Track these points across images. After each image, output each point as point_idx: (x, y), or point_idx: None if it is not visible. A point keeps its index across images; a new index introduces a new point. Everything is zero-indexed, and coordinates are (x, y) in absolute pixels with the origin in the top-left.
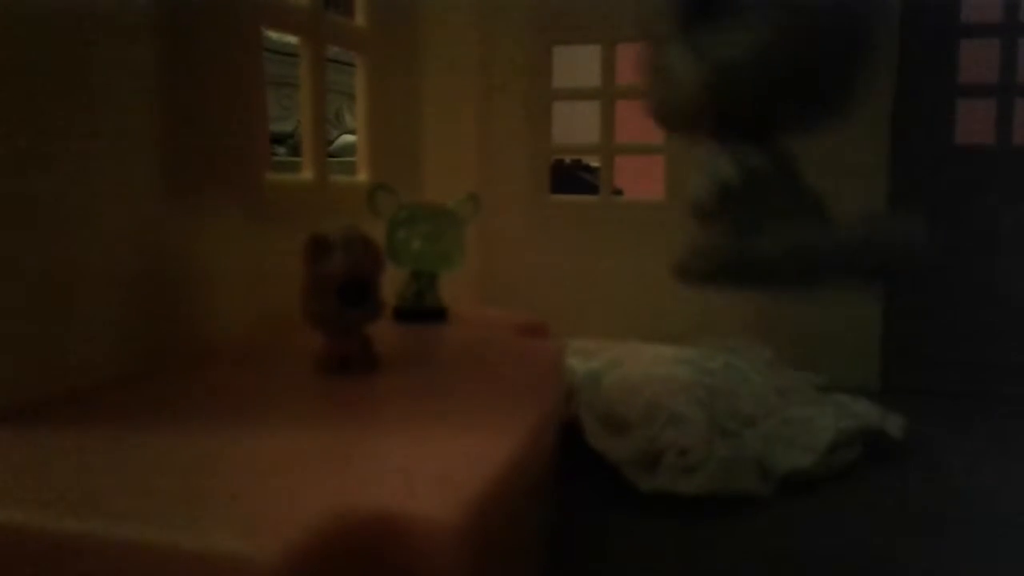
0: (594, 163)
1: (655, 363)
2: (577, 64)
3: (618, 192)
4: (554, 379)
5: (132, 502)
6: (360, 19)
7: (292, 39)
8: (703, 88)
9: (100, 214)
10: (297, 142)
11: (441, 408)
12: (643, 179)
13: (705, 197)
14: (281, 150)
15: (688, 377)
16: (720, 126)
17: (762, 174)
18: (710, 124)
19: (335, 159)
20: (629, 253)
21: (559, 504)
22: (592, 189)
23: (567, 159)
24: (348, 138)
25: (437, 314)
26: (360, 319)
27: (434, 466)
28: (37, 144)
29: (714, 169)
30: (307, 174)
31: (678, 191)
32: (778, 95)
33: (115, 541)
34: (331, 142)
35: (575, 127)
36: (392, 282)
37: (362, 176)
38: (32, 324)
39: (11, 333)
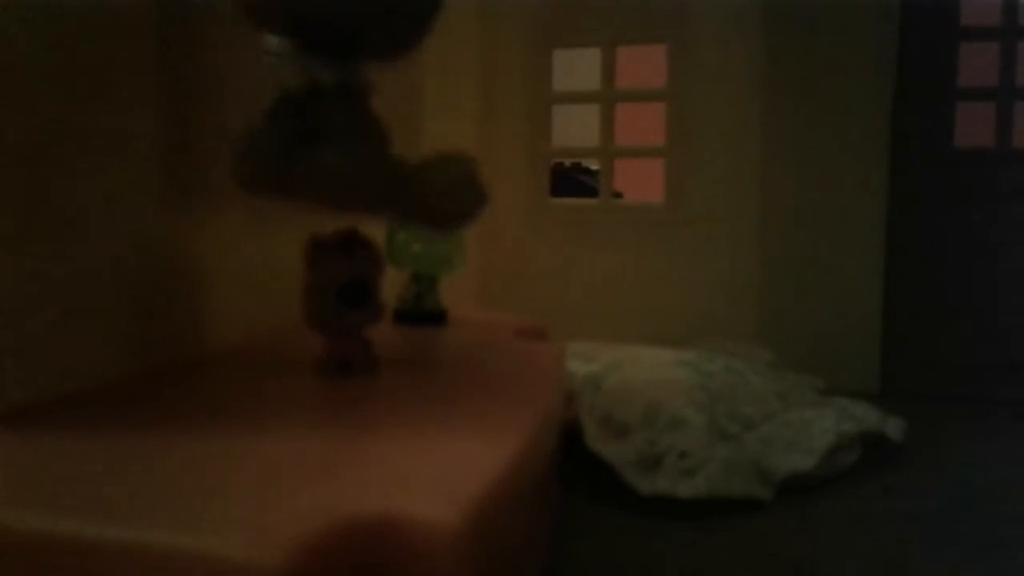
0: (594, 166)
1: (655, 366)
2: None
3: (618, 195)
4: (554, 382)
5: (134, 505)
6: None
7: None
8: None
9: (100, 216)
10: None
11: (441, 411)
12: (642, 182)
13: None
14: None
15: (688, 380)
16: (299, 31)
17: (328, 92)
18: (287, 25)
19: None
20: (629, 256)
21: (559, 507)
22: (592, 192)
23: (567, 162)
24: None
25: (437, 317)
26: (360, 321)
27: (434, 469)
28: (36, 146)
29: (285, 74)
30: None
31: (676, 194)
32: (365, 17)
33: (117, 544)
34: None
35: (575, 130)
36: (392, 285)
37: None
38: (33, 327)
39: (12, 335)
